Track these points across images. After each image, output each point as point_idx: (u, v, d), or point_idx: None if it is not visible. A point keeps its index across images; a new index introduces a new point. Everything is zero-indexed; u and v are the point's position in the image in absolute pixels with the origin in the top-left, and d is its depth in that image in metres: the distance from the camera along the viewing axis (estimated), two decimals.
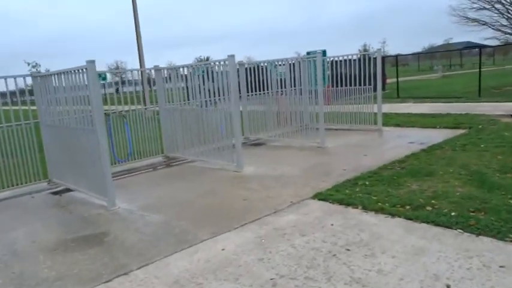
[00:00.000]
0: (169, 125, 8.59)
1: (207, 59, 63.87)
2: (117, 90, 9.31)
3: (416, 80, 32.99)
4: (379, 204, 4.75)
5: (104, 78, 7.75)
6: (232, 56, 6.78)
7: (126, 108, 8.08)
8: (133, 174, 7.67)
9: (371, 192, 5.21)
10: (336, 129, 10.93)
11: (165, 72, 8.74)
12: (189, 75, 7.86)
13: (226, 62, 6.87)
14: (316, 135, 8.84)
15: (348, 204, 4.89)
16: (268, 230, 4.34)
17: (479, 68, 17.13)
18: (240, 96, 10.29)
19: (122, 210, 5.48)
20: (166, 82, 8.61)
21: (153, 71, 8.84)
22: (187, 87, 8.13)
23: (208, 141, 7.65)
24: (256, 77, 9.97)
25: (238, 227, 4.51)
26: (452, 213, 4.28)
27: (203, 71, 7.67)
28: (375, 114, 10.39)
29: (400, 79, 20.45)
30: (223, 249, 3.95)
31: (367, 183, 5.62)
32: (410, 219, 4.30)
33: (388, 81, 24.56)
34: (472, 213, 4.28)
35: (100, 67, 5.91)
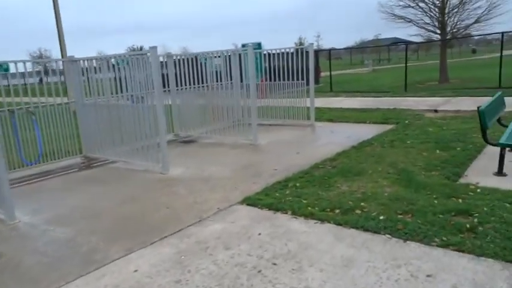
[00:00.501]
0: (88, 122, 7.80)
1: (141, 48, 61.21)
2: (40, 80, 8.37)
3: (348, 73, 34.11)
4: (309, 208, 4.54)
5: (6, 69, 6.78)
6: (154, 48, 6.21)
7: (44, 100, 7.17)
8: (45, 178, 6.84)
9: (301, 195, 4.99)
10: (270, 125, 10.73)
11: (84, 63, 7.90)
12: (111, 67, 7.14)
13: (148, 54, 6.28)
14: (249, 131, 8.54)
15: (277, 210, 4.62)
16: (189, 244, 3.93)
17: (405, 63, 17.93)
18: (169, 90, 9.70)
19: (23, 224, 4.76)
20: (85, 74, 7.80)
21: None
22: (115, 80, 7.43)
23: (131, 139, 7.02)
24: (187, 70, 9.41)
25: (156, 240, 4.04)
26: (381, 217, 4.17)
27: (126, 63, 7.00)
28: (308, 108, 10.32)
29: (333, 72, 20.87)
30: (135, 271, 3.48)
31: (297, 184, 5.40)
32: (340, 224, 4.12)
33: (322, 74, 25.06)
34: (399, 216, 4.20)
35: (21, 55, 5.45)
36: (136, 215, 4.85)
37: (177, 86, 9.59)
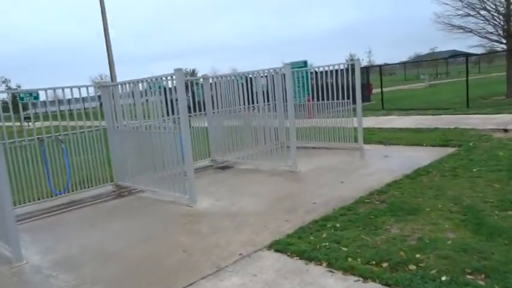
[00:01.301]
0: (118, 148, 7.47)
1: (193, 72, 62.75)
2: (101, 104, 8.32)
3: (402, 89, 32.31)
4: (349, 259, 3.68)
5: (36, 98, 6.62)
6: (179, 70, 5.72)
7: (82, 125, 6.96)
8: (72, 208, 6.52)
9: (341, 239, 4.14)
10: (313, 148, 9.91)
11: (115, 88, 7.64)
12: (145, 92, 6.78)
13: (174, 77, 5.81)
14: (288, 156, 7.78)
15: (310, 259, 3.81)
16: None
17: (467, 77, 16.34)
18: (205, 113, 9.25)
19: (29, 267, 4.33)
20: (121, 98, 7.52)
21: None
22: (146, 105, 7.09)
23: (158, 167, 6.54)
24: (224, 91, 8.91)
25: None
26: (443, 277, 3.23)
27: (159, 87, 6.61)
28: (356, 129, 9.39)
29: (386, 89, 19.61)
30: None
31: (337, 225, 4.55)
32: (388, 285, 3.24)
33: (374, 91, 23.77)
34: (468, 276, 3.23)
35: (84, 81, 5.31)
36: (149, 259, 4.25)
37: (213, 108, 9.11)
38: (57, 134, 6.85)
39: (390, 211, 4.79)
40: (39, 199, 6.70)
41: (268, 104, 8.35)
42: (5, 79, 26.86)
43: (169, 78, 5.95)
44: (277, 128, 8.19)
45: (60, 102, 7.59)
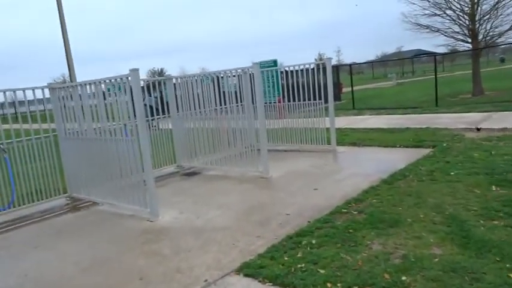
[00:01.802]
0: (71, 156, 6.77)
1: (161, 71, 61.28)
2: None
3: (371, 88, 32.61)
4: (329, 285, 3.25)
5: None
6: (135, 70, 5.13)
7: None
8: (16, 226, 5.80)
9: (318, 259, 3.70)
10: (285, 151, 9.50)
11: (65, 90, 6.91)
12: (95, 95, 6.12)
13: (129, 78, 5.21)
14: (259, 160, 7.31)
15: (284, 286, 3.35)
16: None
17: (435, 75, 16.44)
18: (169, 116, 8.65)
19: None
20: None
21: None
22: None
23: (116, 177, 5.91)
24: (190, 92, 8.34)
25: None
26: None
27: (119, 88, 5.97)
28: (328, 130, 9.04)
29: (355, 88, 19.52)
30: None
31: (313, 241, 4.11)
32: None
33: (344, 90, 23.73)
34: None
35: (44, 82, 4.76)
36: None
37: (178, 110, 8.52)
38: None
39: (370, 223, 4.40)
40: None
41: (237, 105, 7.86)
42: None
43: (124, 79, 5.34)
44: (247, 130, 7.71)
45: (10, 105, 6.80)
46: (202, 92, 8.01)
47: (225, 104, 7.91)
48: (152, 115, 8.63)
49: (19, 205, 6.35)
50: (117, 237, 4.94)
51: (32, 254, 4.70)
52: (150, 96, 9.91)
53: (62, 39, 17.61)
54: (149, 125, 8.45)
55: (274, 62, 17.42)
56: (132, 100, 5.31)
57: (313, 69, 9.26)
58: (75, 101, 6.29)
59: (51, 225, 5.75)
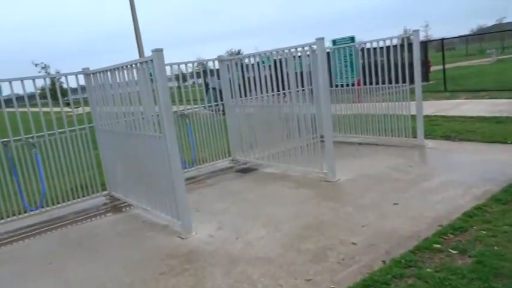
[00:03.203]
0: (109, 151, 6.02)
1: (238, 52, 60.97)
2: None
3: (466, 66, 28.67)
4: None
5: None
6: (159, 51, 4.04)
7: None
8: (42, 230, 5.18)
9: None
10: (359, 144, 7.96)
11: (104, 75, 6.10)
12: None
13: (153, 59, 4.14)
14: (323, 157, 5.92)
15: None
16: None
17: None
18: (223, 104, 7.59)
19: None
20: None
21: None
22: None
23: (146, 179, 4.99)
24: (246, 76, 7.19)
25: None
26: None
27: (150, 74, 5.01)
28: (414, 118, 7.29)
29: (447, 66, 16.79)
30: None
31: None
32: None
33: (433, 68, 20.83)
34: None
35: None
36: None
37: (233, 96, 7.41)
38: (29, 136, 5.48)
39: (479, 278, 2.88)
40: (8, 217, 5.41)
41: (303, 90, 6.49)
42: (45, 65, 26.87)
43: (148, 62, 4.29)
44: (312, 118, 6.29)
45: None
46: (260, 75, 6.77)
47: (288, 88, 6.58)
48: (221, 99, 7.63)
49: (56, 203, 5.77)
50: (136, 261, 3.99)
51: (39, 275, 3.94)
52: (219, 79, 8.79)
53: (133, 23, 17.56)
54: (217, 110, 7.49)
55: (352, 39, 15.49)
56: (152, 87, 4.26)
57: (396, 46, 7.53)
58: (106, 88, 5.45)
59: (78, 231, 5.02)
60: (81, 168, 5.90)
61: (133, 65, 4.63)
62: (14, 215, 5.45)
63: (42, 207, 5.64)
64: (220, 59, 7.45)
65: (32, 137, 5.51)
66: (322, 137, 6.21)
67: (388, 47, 7.41)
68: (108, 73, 5.28)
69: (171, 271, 3.66)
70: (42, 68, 26.28)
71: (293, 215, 4.65)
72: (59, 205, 5.79)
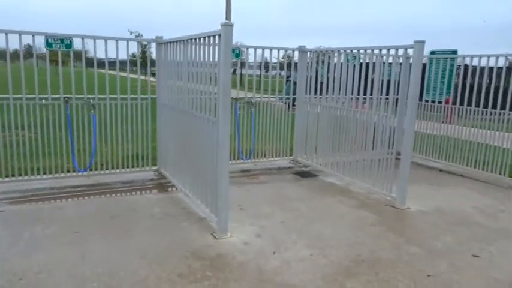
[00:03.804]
0: (164, 126, 5.74)
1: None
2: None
3: None
4: None
5: (68, 46, 5.15)
6: (228, 26, 3.55)
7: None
8: (84, 193, 5.05)
9: None
10: (440, 170, 6.92)
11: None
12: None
13: (221, 33, 3.67)
14: (394, 178, 5.10)
15: None
16: None
17: None
18: (294, 99, 6.99)
19: None
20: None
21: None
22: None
23: (194, 164, 4.59)
24: (325, 72, 6.52)
25: None
26: None
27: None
28: None
29: None
30: None
31: None
32: None
33: None
34: None
35: None
36: None
37: (306, 92, 6.77)
38: (90, 96, 5.36)
39: None
40: (56, 172, 5.36)
41: (386, 99, 5.67)
42: (138, 33, 28.13)
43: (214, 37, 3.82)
44: (391, 132, 5.46)
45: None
46: (341, 73, 6.05)
47: (370, 94, 5.77)
48: (293, 93, 7.08)
49: (105, 169, 5.65)
50: (158, 252, 3.58)
51: (58, 244, 3.71)
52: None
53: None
54: (289, 105, 6.98)
55: (454, 52, 13.93)
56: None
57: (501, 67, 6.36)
58: (173, 61, 5.12)
59: (116, 203, 4.79)
60: (136, 139, 5.70)
61: (202, 39, 4.20)
62: (62, 171, 5.40)
63: (91, 169, 5.54)
64: (301, 49, 6.82)
65: (94, 98, 5.39)
66: (398, 154, 5.37)
67: (497, 68, 6.25)
68: (178, 45, 4.92)
69: (190, 275, 3.19)
70: (136, 36, 27.52)
71: (345, 241, 3.95)
72: (107, 171, 5.66)
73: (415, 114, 5.09)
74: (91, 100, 5.36)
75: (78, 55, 5.64)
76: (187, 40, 4.56)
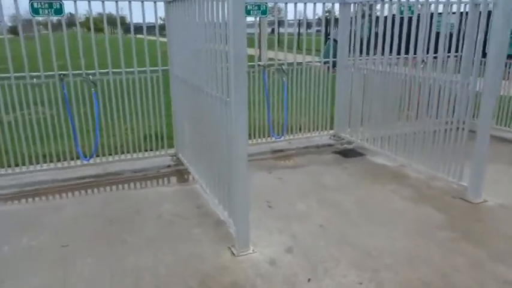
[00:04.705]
0: (176, 105, 4.86)
1: None
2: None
3: None
4: None
5: (58, 12, 4.30)
6: None
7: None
8: (86, 185, 4.35)
9: None
10: None
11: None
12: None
13: None
14: (465, 159, 3.97)
15: None
16: None
17: None
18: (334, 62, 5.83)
19: None
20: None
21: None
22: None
23: (208, 153, 3.70)
24: (374, 28, 5.32)
25: None
26: None
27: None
28: None
29: None
30: None
31: None
32: None
33: None
34: None
35: None
36: None
37: (350, 53, 5.59)
38: (90, 72, 4.53)
39: None
40: (58, 161, 4.67)
41: (447, 57, 4.48)
42: None
43: None
44: (458, 96, 4.26)
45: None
46: (393, 29, 4.83)
47: (427, 52, 4.54)
48: (334, 55, 5.89)
49: (115, 154, 4.91)
50: (155, 275, 2.80)
51: (43, 261, 3.01)
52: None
53: None
54: (328, 68, 5.85)
55: None
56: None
57: None
58: (183, 23, 4.14)
59: (121, 201, 4.05)
60: (148, 118, 4.89)
61: None
62: (65, 159, 4.71)
63: (97, 156, 4.80)
64: (343, 1, 5.57)
65: (94, 74, 4.57)
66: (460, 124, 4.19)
67: None
68: (186, 2, 3.92)
69: None
70: None
71: (405, 256, 2.97)
72: (117, 157, 4.91)
73: (501, 73, 3.83)
74: (90, 76, 4.53)
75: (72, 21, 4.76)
76: None
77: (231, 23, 2.69)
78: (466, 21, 5.12)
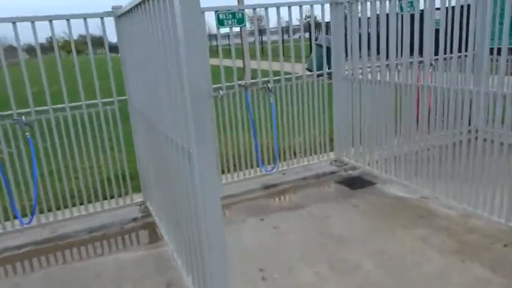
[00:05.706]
0: (140, 146, 3.87)
1: None
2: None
3: None
4: None
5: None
6: None
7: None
8: (24, 260, 3.33)
9: None
10: None
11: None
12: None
13: None
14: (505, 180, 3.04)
15: None
16: None
17: None
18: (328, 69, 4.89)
19: None
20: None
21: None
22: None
23: (175, 211, 2.71)
24: (373, 28, 4.41)
25: None
26: None
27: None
28: None
29: None
30: None
31: None
32: None
33: None
34: None
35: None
36: None
37: (347, 59, 4.67)
38: (22, 111, 3.53)
39: None
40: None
41: (450, 58, 3.57)
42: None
43: None
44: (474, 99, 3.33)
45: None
46: (397, 29, 3.93)
47: (436, 53, 3.66)
48: (328, 64, 4.88)
49: (66, 207, 3.89)
50: None
51: None
52: (327, 34, 5.66)
53: None
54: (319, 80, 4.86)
55: None
56: None
57: None
58: (133, 38, 3.17)
59: (67, 281, 3.04)
60: (105, 158, 3.90)
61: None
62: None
63: (41, 212, 3.77)
64: (334, 1, 4.64)
65: (29, 113, 3.56)
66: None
67: None
68: (135, 14, 2.93)
69: None
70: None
71: None
72: (68, 214, 3.89)
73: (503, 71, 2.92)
74: (22, 117, 3.53)
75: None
76: (140, 3, 2.59)
77: (182, 38, 1.73)
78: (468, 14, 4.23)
